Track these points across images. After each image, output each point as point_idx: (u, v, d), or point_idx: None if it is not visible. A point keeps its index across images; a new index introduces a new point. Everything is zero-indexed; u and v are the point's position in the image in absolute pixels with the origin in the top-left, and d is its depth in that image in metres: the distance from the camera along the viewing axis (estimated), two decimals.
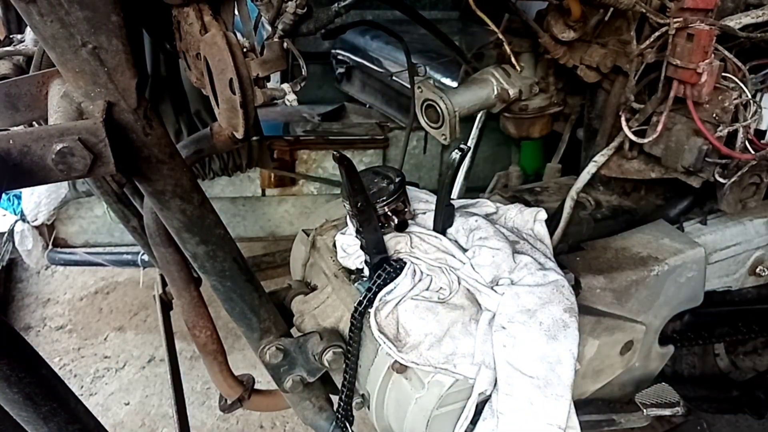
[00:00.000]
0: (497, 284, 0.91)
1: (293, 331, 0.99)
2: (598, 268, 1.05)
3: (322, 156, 1.82)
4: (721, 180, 1.06)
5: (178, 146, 0.70)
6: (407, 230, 0.95)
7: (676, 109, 1.06)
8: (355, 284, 0.97)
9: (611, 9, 1.06)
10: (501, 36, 1.21)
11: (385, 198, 0.85)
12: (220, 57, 0.59)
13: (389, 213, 0.86)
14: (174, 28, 0.72)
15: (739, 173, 1.06)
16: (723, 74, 1.01)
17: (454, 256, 0.91)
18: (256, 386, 1.10)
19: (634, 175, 1.20)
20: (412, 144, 1.88)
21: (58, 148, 0.49)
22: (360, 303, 0.87)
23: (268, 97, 0.60)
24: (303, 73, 0.69)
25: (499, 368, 0.84)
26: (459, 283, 0.92)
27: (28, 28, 1.09)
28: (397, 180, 0.85)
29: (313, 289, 1.09)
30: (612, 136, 1.21)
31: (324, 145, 1.81)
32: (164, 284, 1.31)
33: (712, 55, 0.97)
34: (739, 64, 1.02)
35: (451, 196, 0.95)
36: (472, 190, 1.64)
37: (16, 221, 1.70)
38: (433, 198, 1.00)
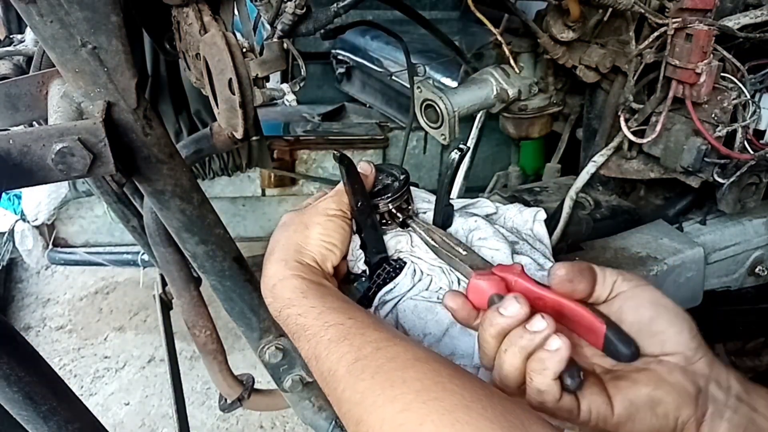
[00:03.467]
0: None
1: None
2: None
3: (322, 156, 1.82)
4: (720, 180, 1.06)
5: (178, 146, 0.70)
6: (408, 229, 0.95)
7: (675, 109, 1.06)
8: (355, 284, 0.97)
9: (610, 9, 1.06)
10: (500, 37, 1.21)
11: (390, 195, 0.83)
12: (219, 57, 0.59)
13: (394, 210, 0.85)
14: (174, 28, 0.72)
15: (738, 173, 1.06)
16: (722, 74, 1.01)
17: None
18: (256, 386, 1.10)
19: (633, 175, 1.20)
20: (412, 144, 1.89)
21: (57, 148, 0.49)
22: (359, 302, 0.87)
23: (268, 98, 0.60)
24: (302, 73, 0.69)
25: None
26: (459, 284, 0.92)
27: (28, 28, 1.09)
28: (401, 178, 0.84)
29: None
30: (611, 136, 1.21)
31: (324, 145, 1.81)
32: (164, 284, 1.32)
33: (711, 56, 0.97)
34: (738, 64, 1.02)
35: (451, 196, 0.95)
36: (472, 190, 1.64)
37: (17, 221, 1.70)
38: (433, 198, 1.00)
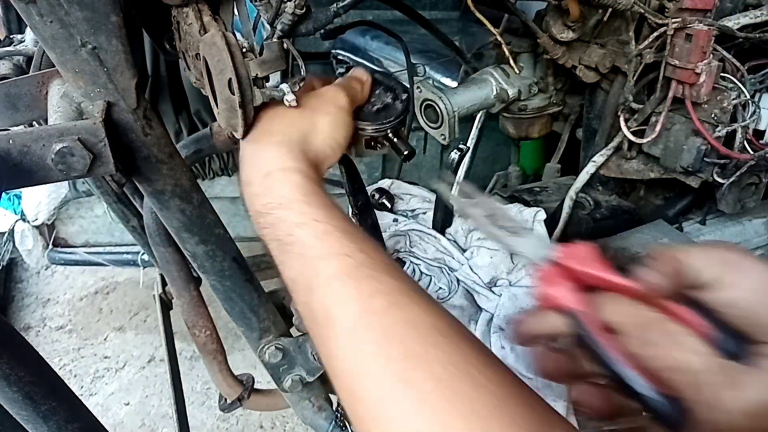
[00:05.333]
0: (495, 285, 0.91)
1: (293, 330, 0.99)
2: None
3: None
4: (720, 180, 1.06)
5: (177, 146, 0.70)
6: (406, 229, 0.95)
7: (674, 110, 1.06)
8: None
9: (610, 9, 1.06)
10: (499, 37, 1.21)
11: (392, 120, 0.70)
12: (219, 57, 0.59)
13: (392, 136, 0.72)
14: (174, 28, 0.72)
15: (738, 173, 1.06)
16: (721, 74, 1.01)
17: (453, 257, 0.91)
18: (256, 386, 1.10)
19: (633, 175, 1.20)
20: (412, 144, 1.88)
21: (57, 148, 0.49)
22: None
23: (267, 98, 0.60)
24: (302, 73, 0.69)
25: None
26: (458, 284, 0.92)
27: (28, 28, 1.09)
28: (404, 97, 0.72)
29: None
30: (611, 136, 1.21)
31: None
32: (164, 284, 1.32)
33: (711, 56, 0.97)
34: (738, 64, 1.02)
35: None
36: None
37: (17, 221, 1.71)
38: (433, 197, 1.00)
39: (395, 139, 0.71)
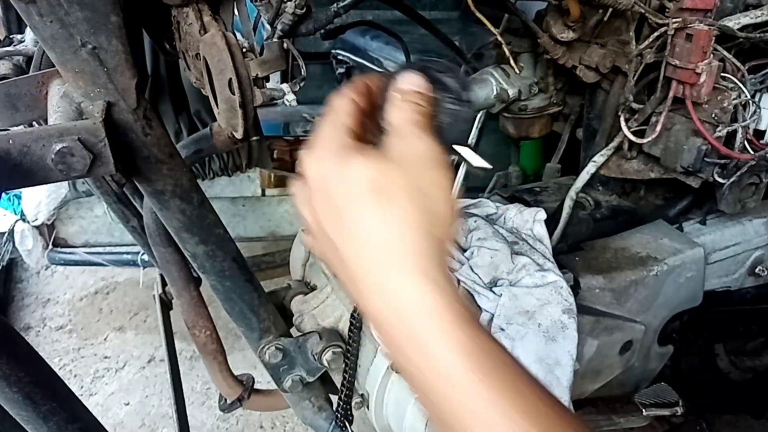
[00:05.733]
0: (495, 285, 0.91)
1: (293, 331, 0.99)
2: (597, 268, 1.05)
3: None
4: (720, 180, 1.06)
5: (178, 146, 0.70)
6: None
7: (675, 110, 1.06)
8: None
9: (610, 9, 1.06)
10: (499, 37, 1.21)
11: (466, 132, 0.55)
12: (219, 57, 0.59)
13: (467, 149, 0.56)
14: (174, 28, 0.72)
15: (738, 173, 1.06)
16: (722, 74, 1.01)
17: (452, 257, 0.91)
18: (256, 386, 1.10)
19: (633, 175, 1.20)
20: None
21: (57, 148, 0.49)
22: None
23: (267, 97, 0.60)
24: (302, 73, 0.69)
25: None
26: (458, 284, 0.92)
27: (28, 28, 1.09)
28: (464, 97, 0.56)
29: (313, 289, 1.09)
30: (611, 136, 1.21)
31: None
32: (164, 284, 1.31)
33: (711, 56, 0.97)
34: (738, 64, 1.02)
35: None
36: (472, 190, 1.63)
37: (17, 221, 1.70)
38: None
39: (468, 151, 0.55)
